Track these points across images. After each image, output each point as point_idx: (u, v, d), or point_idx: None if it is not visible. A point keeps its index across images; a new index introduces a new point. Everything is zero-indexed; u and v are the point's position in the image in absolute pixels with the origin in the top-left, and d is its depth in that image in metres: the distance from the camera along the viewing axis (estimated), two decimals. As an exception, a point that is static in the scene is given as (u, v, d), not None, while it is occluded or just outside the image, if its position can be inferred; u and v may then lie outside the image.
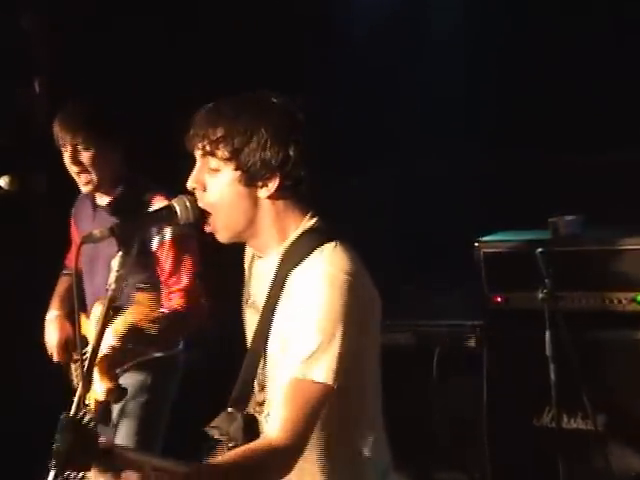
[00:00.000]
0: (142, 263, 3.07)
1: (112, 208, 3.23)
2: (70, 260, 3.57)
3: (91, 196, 3.31)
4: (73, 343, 3.31)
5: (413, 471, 2.18)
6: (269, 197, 2.02)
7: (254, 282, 2.20)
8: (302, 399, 1.91)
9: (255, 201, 2.02)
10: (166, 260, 3.12)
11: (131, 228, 2.08)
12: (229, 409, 2.08)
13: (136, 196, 3.17)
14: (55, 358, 3.37)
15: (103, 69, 4.47)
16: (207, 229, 2.09)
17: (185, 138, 2.06)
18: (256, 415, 2.09)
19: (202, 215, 2.09)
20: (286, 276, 2.01)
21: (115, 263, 2.05)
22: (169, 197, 3.04)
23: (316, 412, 1.92)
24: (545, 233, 3.71)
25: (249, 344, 2.12)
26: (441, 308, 4.00)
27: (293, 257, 2.02)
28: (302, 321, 1.93)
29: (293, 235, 2.06)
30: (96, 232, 2.06)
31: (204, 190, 2.05)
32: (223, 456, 1.98)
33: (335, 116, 4.24)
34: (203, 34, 4.64)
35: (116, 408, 3.23)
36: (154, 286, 3.15)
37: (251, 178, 2.00)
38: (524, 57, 4.32)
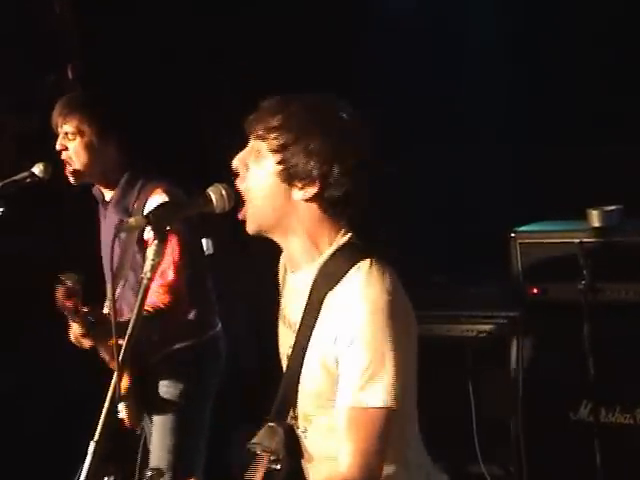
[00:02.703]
0: (140, 259, 3.09)
1: (113, 203, 3.24)
2: None
3: (98, 190, 3.32)
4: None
5: (448, 465, 2.19)
6: (305, 201, 2.03)
7: (287, 298, 2.20)
8: (366, 428, 1.91)
9: (289, 201, 2.03)
10: None
11: (166, 216, 2.11)
12: (270, 423, 2.10)
13: (135, 190, 3.17)
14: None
15: (135, 56, 4.52)
16: (240, 216, 2.09)
17: (246, 119, 2.07)
18: (294, 428, 2.11)
19: (237, 203, 2.11)
20: (323, 297, 2.01)
21: (150, 252, 2.05)
22: (169, 189, 3.09)
23: (384, 438, 1.92)
24: (582, 224, 3.69)
25: (286, 361, 2.13)
26: (476, 299, 4.00)
27: (329, 276, 2.02)
28: (349, 347, 1.93)
29: (327, 252, 2.05)
30: (132, 220, 2.08)
31: (247, 170, 2.07)
32: None
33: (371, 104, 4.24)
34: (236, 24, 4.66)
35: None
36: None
37: (289, 177, 2.01)
38: (558, 47, 4.30)
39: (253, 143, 2.06)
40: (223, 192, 2.09)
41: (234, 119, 4.82)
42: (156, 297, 3.05)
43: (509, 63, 4.47)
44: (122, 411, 3.13)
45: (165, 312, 3.04)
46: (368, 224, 2.10)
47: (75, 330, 2.93)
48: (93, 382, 3.27)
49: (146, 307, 2.96)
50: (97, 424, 1.94)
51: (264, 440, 2.07)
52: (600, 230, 3.61)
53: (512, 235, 3.75)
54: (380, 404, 1.91)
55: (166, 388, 3.24)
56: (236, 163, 2.09)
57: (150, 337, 3.11)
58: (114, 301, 2.17)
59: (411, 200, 4.31)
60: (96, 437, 1.94)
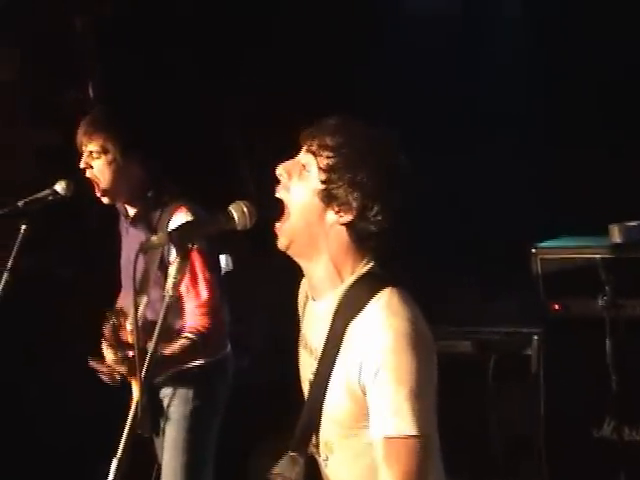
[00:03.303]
0: (161, 276, 3.10)
1: (137, 221, 3.27)
2: None
3: (123, 208, 3.34)
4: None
5: (468, 483, 2.20)
6: (337, 225, 2.03)
7: (308, 324, 2.20)
8: (405, 457, 1.92)
9: (322, 221, 2.04)
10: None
11: (189, 234, 2.13)
12: (291, 453, 2.11)
13: (158, 209, 3.19)
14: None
15: (154, 73, 4.57)
16: (276, 229, 2.10)
17: (304, 131, 2.08)
18: (316, 457, 2.12)
19: (258, 221, 2.13)
20: (345, 326, 2.01)
21: (172, 270, 2.08)
22: (192, 208, 3.12)
23: (424, 465, 1.93)
24: (604, 239, 3.68)
25: (308, 388, 2.13)
26: (497, 315, 4.00)
27: (350, 305, 2.02)
28: (375, 377, 1.93)
29: (349, 280, 2.06)
30: (154, 238, 2.09)
31: (289, 180, 2.07)
32: None
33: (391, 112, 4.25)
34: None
35: (164, 417, 3.27)
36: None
37: (328, 198, 2.01)
38: (587, 59, 4.31)
39: (303, 156, 2.07)
40: (245, 209, 2.11)
41: (256, 133, 4.89)
42: (195, 320, 3.10)
43: (538, 71, 4.48)
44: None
45: (207, 336, 3.09)
46: (391, 254, 2.11)
47: (109, 358, 2.99)
48: (112, 397, 3.34)
49: (187, 333, 3.06)
50: (114, 440, 1.96)
51: (285, 470, 2.09)
52: (622, 246, 3.60)
53: (533, 251, 3.76)
54: (414, 432, 1.91)
55: (176, 407, 3.26)
56: (280, 171, 2.08)
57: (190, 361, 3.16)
58: (136, 318, 2.19)
59: (431, 214, 4.32)
60: (119, 454, 1.96)
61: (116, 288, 3.53)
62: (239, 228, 2.13)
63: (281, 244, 2.09)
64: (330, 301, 2.07)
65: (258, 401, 4.33)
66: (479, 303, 4.10)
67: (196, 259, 3.10)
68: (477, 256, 4.34)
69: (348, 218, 2.01)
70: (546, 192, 4.37)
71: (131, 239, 3.28)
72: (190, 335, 3.08)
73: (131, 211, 3.30)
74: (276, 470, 2.10)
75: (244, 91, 4.73)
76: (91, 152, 3.17)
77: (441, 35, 4.64)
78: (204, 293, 3.12)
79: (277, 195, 2.09)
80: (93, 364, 3.09)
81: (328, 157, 2.01)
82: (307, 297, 2.23)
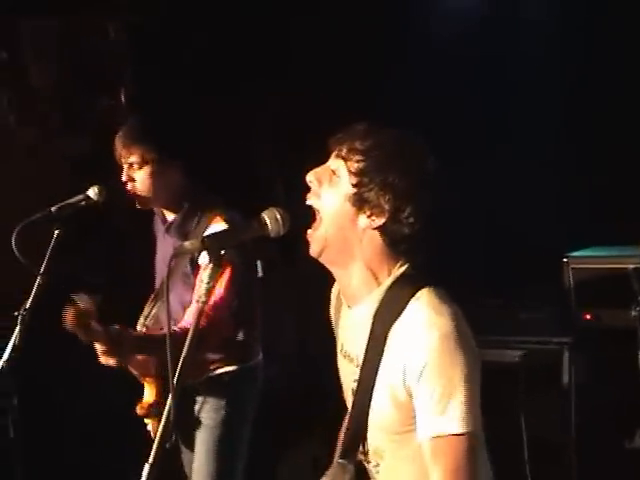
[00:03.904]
0: (185, 282, 3.12)
1: (174, 227, 3.27)
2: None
3: (161, 213, 3.35)
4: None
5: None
6: (369, 230, 2.03)
7: (345, 332, 2.20)
8: (452, 456, 1.93)
9: (354, 225, 2.04)
10: (199, 281, 3.11)
11: (222, 240, 2.15)
12: (340, 460, 2.11)
13: (196, 216, 3.20)
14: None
15: (185, 80, 4.61)
16: (308, 235, 2.11)
17: (334, 137, 2.09)
18: (365, 465, 2.13)
19: (291, 228, 2.14)
20: (387, 329, 2.01)
21: (205, 276, 2.09)
22: (229, 218, 3.11)
23: (473, 464, 1.94)
24: (637, 249, 3.67)
25: (352, 395, 2.12)
26: (527, 324, 3.99)
27: (390, 308, 2.02)
28: (420, 377, 1.93)
29: (385, 283, 2.05)
30: (187, 244, 2.10)
31: (320, 187, 2.08)
32: None
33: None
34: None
35: (193, 424, 3.26)
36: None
37: (360, 202, 2.01)
38: (617, 62, 4.32)
39: (333, 161, 2.07)
40: (278, 216, 2.11)
41: (285, 139, 4.90)
42: (188, 317, 3.07)
43: (574, 78, 4.48)
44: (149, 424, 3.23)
45: (203, 332, 3.06)
46: (425, 255, 2.11)
47: (98, 349, 2.98)
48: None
49: (176, 327, 3.00)
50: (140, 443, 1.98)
51: (335, 478, 2.10)
52: (655, 256, 3.59)
53: (565, 260, 3.75)
54: (461, 430, 1.92)
55: (207, 414, 3.27)
56: (310, 178, 2.10)
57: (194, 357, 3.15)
58: (169, 319, 2.19)
59: (461, 222, 4.32)
60: (151, 459, 1.96)
61: (148, 292, 3.59)
62: (272, 235, 2.13)
63: (313, 251, 2.09)
64: (368, 306, 2.06)
65: (286, 409, 4.34)
66: (510, 312, 4.08)
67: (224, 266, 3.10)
68: (508, 263, 4.34)
69: (380, 221, 2.01)
70: (577, 201, 4.36)
71: (167, 245, 3.30)
72: (176, 329, 2.98)
73: (169, 216, 3.33)
74: (326, 477, 2.12)
75: (275, 97, 4.75)
76: (131, 164, 3.18)
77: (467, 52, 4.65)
78: (211, 299, 3.10)
79: (308, 202, 2.10)
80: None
81: (358, 161, 2.01)
82: (340, 305, 2.23)
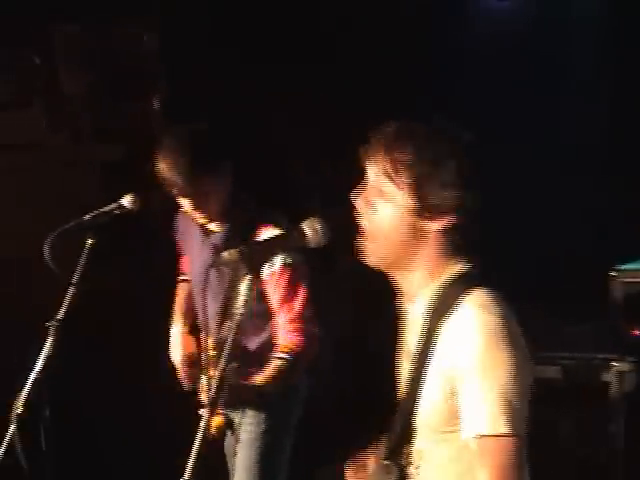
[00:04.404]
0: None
1: (221, 236, 3.26)
2: (185, 265, 3.62)
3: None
4: (199, 360, 3.35)
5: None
6: (434, 232, 2.02)
7: (405, 330, 2.19)
8: (498, 457, 1.92)
9: (418, 234, 2.03)
10: (277, 289, 3.12)
11: (260, 251, 2.15)
12: (384, 461, 2.10)
13: (245, 222, 3.18)
14: (184, 382, 3.41)
15: (219, 84, 4.61)
16: (357, 249, 2.09)
17: (364, 151, 2.06)
18: (407, 467, 2.11)
19: (332, 239, 2.14)
20: (437, 324, 2.01)
21: (243, 288, 2.10)
22: (278, 224, 3.10)
23: (518, 467, 1.93)
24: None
25: (402, 394, 2.11)
26: (573, 339, 3.95)
27: (442, 305, 2.01)
28: (468, 375, 1.93)
29: (443, 278, 2.05)
30: (226, 254, 2.10)
31: (372, 210, 2.05)
32: None
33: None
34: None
35: (235, 438, 3.29)
36: (263, 315, 3.19)
37: (424, 210, 2.00)
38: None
39: (378, 179, 2.03)
40: (318, 227, 2.12)
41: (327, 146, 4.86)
42: (286, 338, 3.09)
43: (620, 92, 4.44)
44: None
45: (300, 354, 3.08)
46: (480, 253, 2.11)
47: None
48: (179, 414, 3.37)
49: (279, 354, 3.06)
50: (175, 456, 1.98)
51: (378, 479, 2.09)
52: None
53: (613, 274, 3.70)
54: (507, 431, 1.90)
55: (248, 427, 3.27)
56: (357, 200, 2.07)
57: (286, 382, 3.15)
58: (207, 333, 2.19)
59: (506, 231, 4.30)
60: (186, 475, 1.97)
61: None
62: (311, 246, 2.14)
63: (370, 262, 2.08)
64: (424, 301, 2.07)
65: (324, 419, 4.33)
66: (554, 326, 4.04)
67: (294, 274, 3.12)
68: (551, 278, 4.30)
69: (445, 220, 2.00)
70: (625, 213, 4.32)
71: (210, 250, 3.30)
72: (282, 355, 3.07)
73: (211, 225, 3.29)
74: (369, 478, 2.11)
75: (311, 101, 4.75)
76: (178, 193, 3.16)
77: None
78: (298, 306, 3.12)
79: (361, 223, 2.07)
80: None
81: (407, 172, 1.99)
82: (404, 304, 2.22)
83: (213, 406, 2.05)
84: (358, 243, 2.08)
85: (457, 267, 2.06)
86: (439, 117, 2.06)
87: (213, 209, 3.21)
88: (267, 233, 3.04)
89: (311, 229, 2.13)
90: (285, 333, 3.12)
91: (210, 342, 3.27)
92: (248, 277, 2.11)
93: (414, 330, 2.09)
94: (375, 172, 2.04)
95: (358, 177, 2.08)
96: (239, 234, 3.16)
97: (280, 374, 3.07)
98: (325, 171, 4.60)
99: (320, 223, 2.13)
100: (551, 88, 4.57)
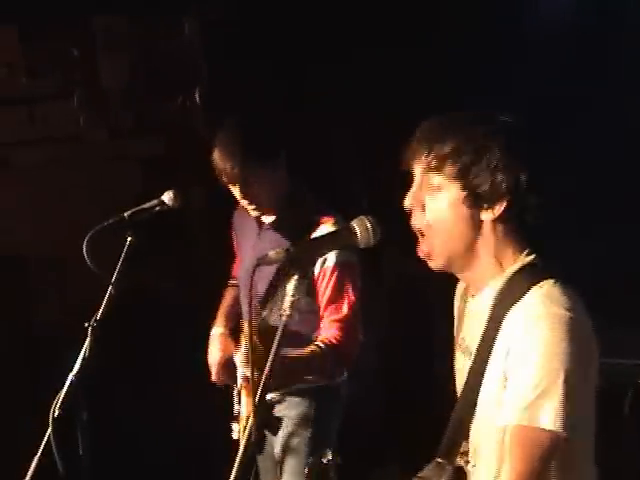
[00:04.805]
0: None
1: (277, 227, 3.23)
2: (236, 270, 3.62)
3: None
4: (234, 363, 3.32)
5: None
6: (493, 221, 2.00)
7: (466, 323, 2.17)
8: (530, 448, 1.88)
9: (476, 224, 2.00)
10: (326, 287, 3.10)
11: (308, 251, 2.12)
12: (438, 459, 2.07)
13: (302, 216, 3.15)
14: (213, 378, 3.38)
15: (262, 77, 4.58)
16: (420, 254, 2.07)
17: (405, 151, 2.06)
18: (463, 466, 2.07)
19: (382, 238, 2.11)
20: (503, 316, 1.98)
21: (290, 288, 2.07)
22: (337, 219, 3.08)
23: (546, 463, 1.90)
24: None
25: (460, 391, 2.10)
26: (624, 344, 3.87)
27: (509, 295, 1.98)
28: (522, 363, 1.89)
29: (509, 270, 2.02)
30: (272, 253, 2.08)
31: (422, 210, 2.04)
32: None
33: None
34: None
35: (278, 442, 3.27)
36: (312, 313, 3.14)
37: (477, 200, 1.98)
38: None
39: (425, 176, 2.03)
40: (369, 225, 2.09)
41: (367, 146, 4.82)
42: (328, 332, 3.07)
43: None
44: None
45: (337, 348, 3.04)
46: (548, 245, 2.09)
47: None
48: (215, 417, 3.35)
49: (317, 342, 3.03)
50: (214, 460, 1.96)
51: (432, 476, 2.05)
52: None
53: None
54: (549, 425, 1.86)
55: (294, 432, 3.26)
56: (409, 202, 2.05)
57: (320, 373, 3.14)
58: (252, 334, 2.17)
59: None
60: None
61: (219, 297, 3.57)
62: (362, 246, 2.12)
63: (436, 265, 2.07)
64: (489, 293, 2.04)
65: (368, 427, 4.30)
66: (616, 333, 3.96)
67: (346, 273, 3.10)
68: (616, 284, 4.23)
69: (502, 206, 1.98)
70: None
71: (265, 244, 3.24)
72: (321, 344, 3.03)
73: (266, 218, 3.29)
74: (421, 474, 2.08)
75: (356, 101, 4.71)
76: (235, 184, 3.13)
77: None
78: (345, 309, 3.09)
79: (417, 226, 2.06)
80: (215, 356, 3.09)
81: (453, 164, 1.98)
82: (462, 298, 2.22)
83: (256, 407, 2.02)
84: (420, 248, 2.07)
85: (522, 258, 2.03)
86: (483, 106, 2.05)
87: (263, 199, 3.19)
88: (324, 229, 3.02)
89: (362, 228, 2.10)
90: (327, 330, 3.09)
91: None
92: (295, 277, 2.08)
93: (476, 324, 2.06)
94: (421, 170, 2.04)
95: (406, 178, 2.08)
96: (294, 229, 3.13)
97: (311, 361, 3.02)
98: (372, 171, 4.54)
99: (371, 222, 2.11)
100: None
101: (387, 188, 2.16)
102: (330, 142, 4.69)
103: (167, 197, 3.16)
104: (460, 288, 2.26)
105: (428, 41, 4.53)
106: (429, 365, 4.28)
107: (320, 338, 3.09)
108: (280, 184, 3.21)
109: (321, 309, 3.14)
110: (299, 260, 2.09)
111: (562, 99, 4.35)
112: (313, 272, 3.10)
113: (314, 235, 2.99)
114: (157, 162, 4.51)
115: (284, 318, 2.07)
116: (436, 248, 2.04)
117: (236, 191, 3.18)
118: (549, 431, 1.86)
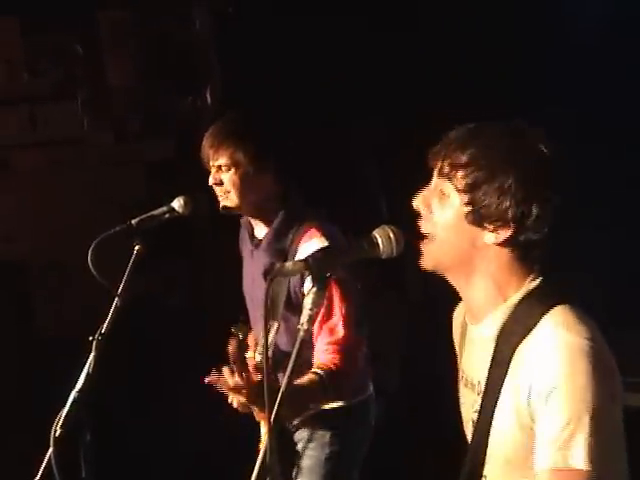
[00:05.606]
0: (292, 306, 2.99)
1: (265, 244, 3.15)
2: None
3: (249, 226, 3.25)
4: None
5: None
6: (495, 245, 1.96)
7: (467, 356, 2.14)
8: None
9: (476, 243, 1.97)
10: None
11: (327, 262, 2.07)
12: None
13: (291, 232, 3.08)
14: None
15: (276, 78, 4.56)
16: (422, 247, 2.04)
17: (430, 151, 2.03)
18: None
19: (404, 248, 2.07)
20: (513, 350, 1.93)
21: (308, 301, 2.03)
22: (327, 232, 3.00)
23: None
24: None
25: (472, 429, 2.06)
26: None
27: (518, 326, 1.94)
28: (546, 400, 1.86)
29: (514, 297, 1.98)
30: (289, 265, 2.04)
31: (430, 212, 2.02)
32: None
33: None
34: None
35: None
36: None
37: (480, 219, 1.94)
38: None
39: (437, 181, 2.01)
40: (391, 235, 2.04)
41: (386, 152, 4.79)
42: (325, 357, 2.99)
43: None
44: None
45: (337, 374, 2.96)
46: (558, 267, 2.02)
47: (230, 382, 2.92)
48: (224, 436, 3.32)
49: (315, 369, 2.94)
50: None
51: None
52: None
53: None
54: (584, 466, 1.82)
55: (311, 453, 3.20)
56: (418, 203, 2.03)
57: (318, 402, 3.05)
58: (267, 347, 2.12)
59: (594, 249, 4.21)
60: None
61: (225, 316, 3.53)
62: (383, 257, 2.06)
63: (425, 265, 2.03)
64: (491, 324, 1.99)
65: (393, 449, 4.27)
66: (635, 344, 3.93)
67: (334, 290, 3.00)
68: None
69: (507, 233, 1.93)
70: None
71: (257, 263, 3.22)
72: (318, 371, 2.95)
73: (258, 230, 3.24)
74: None
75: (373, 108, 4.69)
76: (220, 166, 3.09)
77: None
78: (340, 330, 3.01)
79: (423, 230, 2.03)
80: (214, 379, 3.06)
81: (464, 176, 1.94)
82: (463, 326, 2.16)
83: (270, 426, 1.98)
84: (422, 249, 2.04)
85: (526, 284, 1.98)
86: (519, 120, 1.99)
87: (235, 194, 3.09)
88: (315, 243, 2.94)
89: (384, 238, 2.05)
90: (323, 353, 3.00)
91: (258, 348, 3.21)
92: (314, 290, 2.04)
93: (477, 357, 2.03)
94: (436, 174, 2.01)
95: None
96: (284, 239, 3.09)
97: (310, 389, 2.90)
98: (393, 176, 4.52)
99: (394, 231, 2.05)
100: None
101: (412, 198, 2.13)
102: (350, 152, 4.66)
103: (177, 204, 3.09)
104: (458, 316, 2.23)
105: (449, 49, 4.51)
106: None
107: (317, 364, 2.99)
108: (258, 188, 3.11)
109: (314, 330, 3.04)
110: (318, 271, 2.05)
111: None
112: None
113: (302, 249, 2.96)
114: (165, 166, 4.48)
115: (302, 332, 2.02)
116: (431, 251, 2.01)
117: (213, 184, 3.11)
118: (585, 471, 1.83)
